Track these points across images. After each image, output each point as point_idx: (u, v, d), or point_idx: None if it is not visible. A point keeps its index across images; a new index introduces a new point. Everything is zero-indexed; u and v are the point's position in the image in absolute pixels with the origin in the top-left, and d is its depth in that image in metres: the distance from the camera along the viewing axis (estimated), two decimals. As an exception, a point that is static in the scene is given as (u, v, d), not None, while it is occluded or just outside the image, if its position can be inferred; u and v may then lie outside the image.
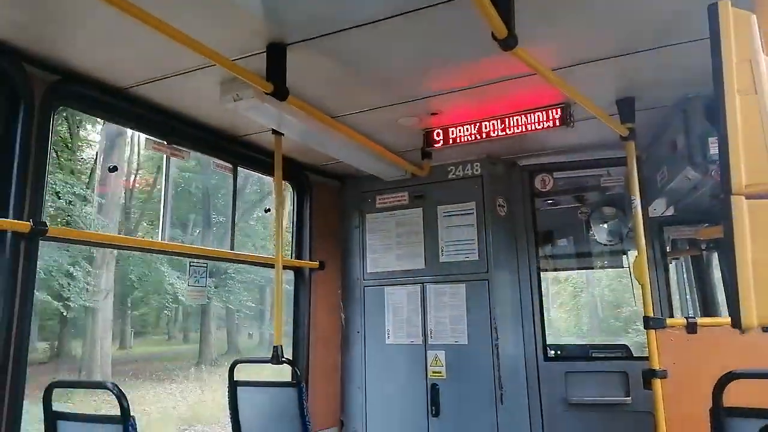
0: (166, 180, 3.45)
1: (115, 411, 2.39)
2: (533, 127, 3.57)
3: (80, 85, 3.00)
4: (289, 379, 4.09)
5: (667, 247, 5.42)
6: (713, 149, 3.11)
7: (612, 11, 2.56)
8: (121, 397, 2.36)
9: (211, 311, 23.06)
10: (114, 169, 8.01)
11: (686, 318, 3.23)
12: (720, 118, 1.25)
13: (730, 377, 2.34)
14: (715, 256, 5.45)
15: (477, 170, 4.57)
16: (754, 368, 2.39)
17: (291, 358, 4.35)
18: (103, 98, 3.14)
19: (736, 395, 2.38)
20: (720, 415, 2.33)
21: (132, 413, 2.36)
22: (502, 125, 3.65)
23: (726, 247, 1.22)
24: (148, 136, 3.40)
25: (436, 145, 3.98)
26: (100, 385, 2.58)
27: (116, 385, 2.41)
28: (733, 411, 2.32)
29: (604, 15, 2.59)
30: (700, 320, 3.21)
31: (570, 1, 2.45)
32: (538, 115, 3.55)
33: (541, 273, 4.76)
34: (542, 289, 4.61)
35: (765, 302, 1.16)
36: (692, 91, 3.34)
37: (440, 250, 4.58)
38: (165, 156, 3.51)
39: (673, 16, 2.54)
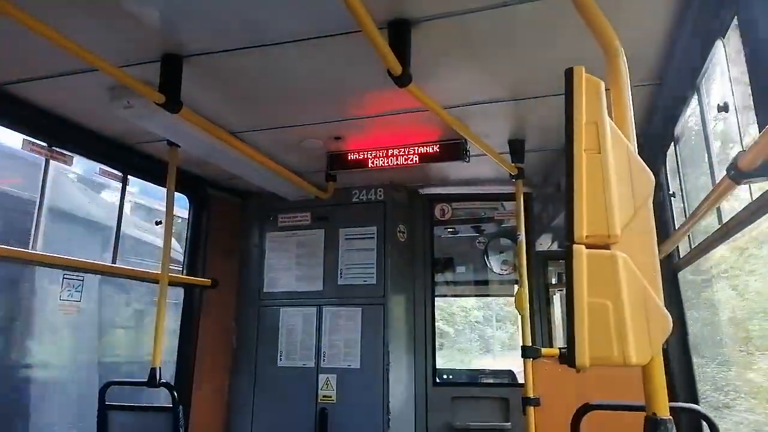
0: (43, 185, 3.19)
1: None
2: (430, 160, 3.70)
3: None
4: None
5: (553, 280, 5.80)
6: None
7: (505, 60, 2.73)
8: None
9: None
10: None
11: (560, 348, 3.42)
12: (568, 173, 1.36)
13: (585, 409, 2.50)
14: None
15: (380, 196, 4.64)
16: (609, 400, 2.56)
17: (174, 380, 4.13)
18: None
19: (600, 425, 2.54)
20: None
21: None
22: (402, 155, 3.75)
23: (566, 292, 1.32)
24: (25, 137, 3.13)
25: (339, 169, 4.00)
26: None
27: None
28: None
29: (498, 62, 2.75)
30: None
31: (467, 46, 2.57)
32: (436, 149, 3.68)
33: (440, 298, 4.88)
34: (435, 315, 4.72)
35: (597, 344, 1.26)
36: None
37: (339, 273, 4.58)
38: (45, 160, 3.25)
39: (558, 68, 2.75)
